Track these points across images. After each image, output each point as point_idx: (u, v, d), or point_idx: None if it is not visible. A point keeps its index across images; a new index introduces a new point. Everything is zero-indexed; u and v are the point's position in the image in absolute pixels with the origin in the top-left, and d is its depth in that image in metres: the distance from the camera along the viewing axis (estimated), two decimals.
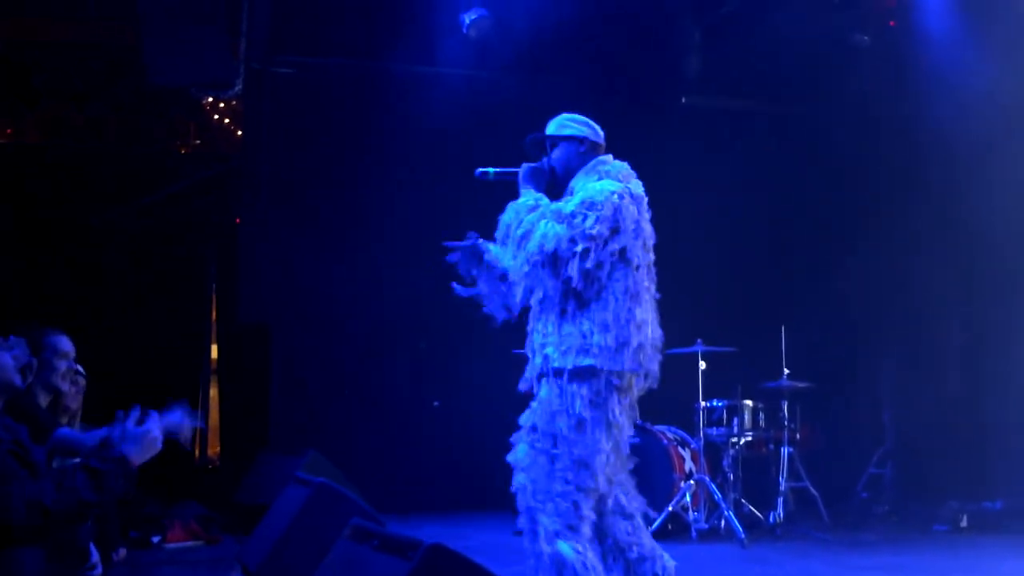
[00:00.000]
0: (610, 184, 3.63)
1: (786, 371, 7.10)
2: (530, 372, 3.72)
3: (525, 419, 3.69)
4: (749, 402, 7.02)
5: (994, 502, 7.36)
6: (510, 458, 3.66)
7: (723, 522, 6.47)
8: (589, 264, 3.46)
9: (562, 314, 3.55)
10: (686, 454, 6.81)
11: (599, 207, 3.51)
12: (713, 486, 6.57)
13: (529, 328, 3.74)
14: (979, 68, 7.54)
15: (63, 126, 8.86)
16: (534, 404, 3.66)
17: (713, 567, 5.70)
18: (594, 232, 3.46)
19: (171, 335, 8.70)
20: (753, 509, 6.81)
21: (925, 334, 8.29)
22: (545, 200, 3.67)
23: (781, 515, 6.75)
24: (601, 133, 3.89)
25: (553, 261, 3.47)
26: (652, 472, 6.67)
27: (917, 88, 8.04)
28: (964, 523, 7.04)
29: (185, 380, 8.89)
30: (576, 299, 3.52)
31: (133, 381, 8.31)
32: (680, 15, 8.50)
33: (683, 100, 8.86)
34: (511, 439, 3.75)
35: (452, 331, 8.21)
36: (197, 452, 9.04)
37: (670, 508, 6.45)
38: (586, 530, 3.49)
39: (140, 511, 6.49)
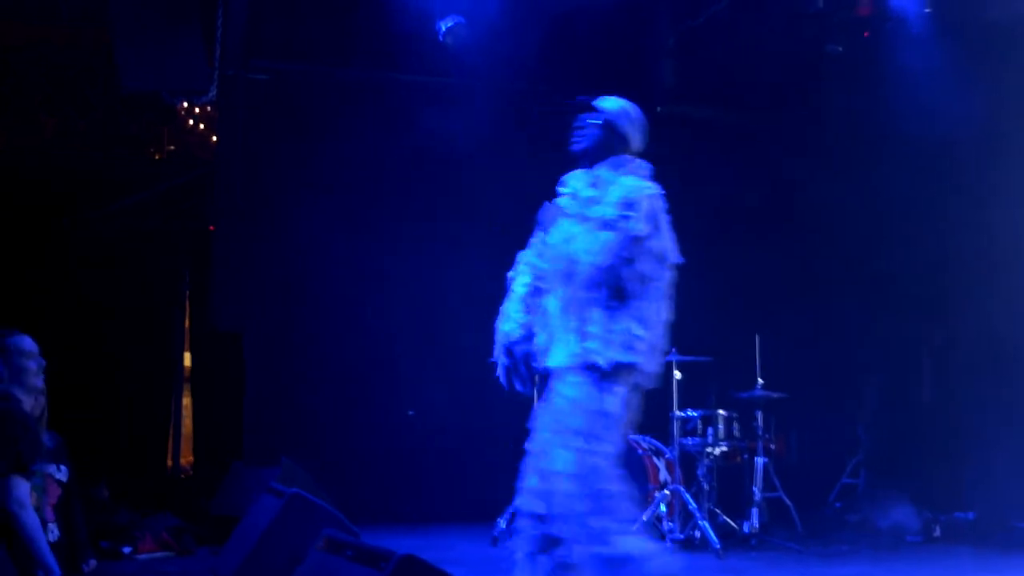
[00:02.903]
0: (642, 182, 3.61)
1: (760, 381, 7.12)
2: (549, 362, 3.67)
3: (547, 421, 3.62)
4: (723, 412, 7.02)
5: (967, 512, 7.41)
6: (549, 465, 3.54)
7: (698, 532, 6.46)
8: (640, 265, 3.55)
9: (609, 309, 3.55)
10: (660, 464, 6.81)
11: (638, 206, 3.54)
12: (688, 496, 6.56)
13: (538, 322, 3.71)
14: (953, 81, 7.60)
15: (33, 131, 8.76)
16: (559, 402, 3.60)
17: None
18: (640, 232, 3.55)
19: (143, 343, 8.61)
20: (728, 519, 6.81)
21: (899, 345, 8.34)
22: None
23: (756, 525, 6.75)
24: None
25: (609, 268, 3.51)
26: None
27: (889, 99, 8.11)
28: (937, 533, 7.09)
29: (156, 388, 8.81)
30: (619, 296, 3.53)
31: (103, 389, 8.25)
32: (655, 24, 8.54)
33: (658, 109, 8.87)
34: (530, 447, 3.67)
35: (427, 341, 8.20)
36: (170, 461, 8.96)
37: (645, 518, 6.45)
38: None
39: (111, 521, 6.42)
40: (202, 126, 9.41)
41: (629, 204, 3.56)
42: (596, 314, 3.56)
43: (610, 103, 3.91)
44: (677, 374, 6.86)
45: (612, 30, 8.34)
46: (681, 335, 6.99)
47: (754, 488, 6.90)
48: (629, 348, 3.51)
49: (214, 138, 9.13)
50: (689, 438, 6.89)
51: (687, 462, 6.92)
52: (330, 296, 8.21)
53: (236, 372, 8.06)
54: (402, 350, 8.22)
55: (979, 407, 7.69)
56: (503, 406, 7.56)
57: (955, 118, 7.53)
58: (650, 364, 3.56)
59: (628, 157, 3.84)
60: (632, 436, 6.85)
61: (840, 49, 8.49)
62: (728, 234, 8.69)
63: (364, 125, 8.36)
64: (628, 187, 3.63)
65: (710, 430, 6.95)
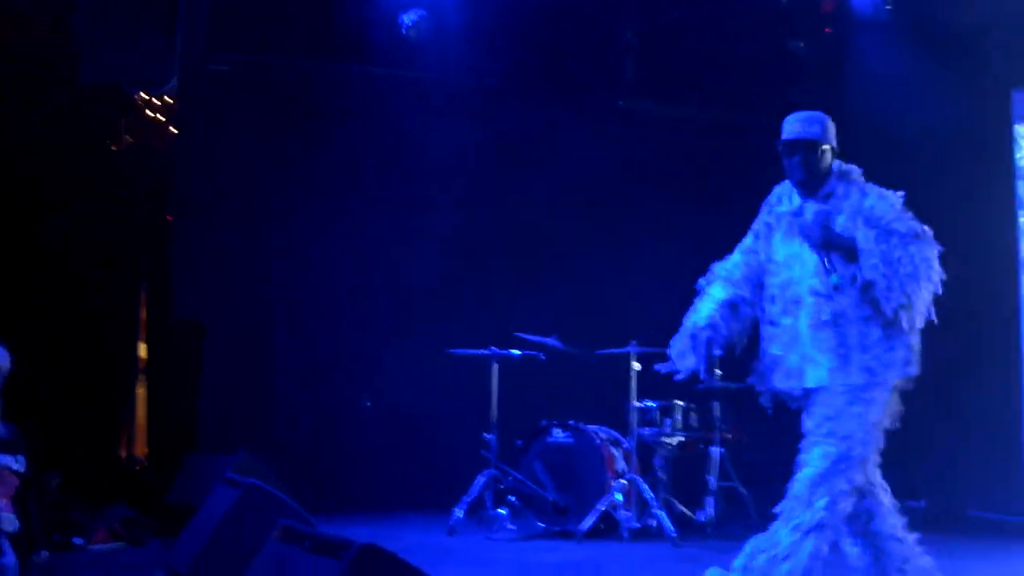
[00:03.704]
0: (883, 190, 3.85)
1: (718, 372, 7.19)
2: (806, 383, 3.86)
3: (819, 425, 3.84)
4: (681, 403, 7.09)
5: (919, 501, 7.53)
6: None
7: (654, 521, 6.52)
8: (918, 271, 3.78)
9: (886, 326, 3.74)
10: (618, 454, 6.86)
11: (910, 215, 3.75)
12: (645, 485, 6.62)
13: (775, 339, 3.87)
14: (912, 79, 7.70)
15: None
16: (828, 412, 3.80)
17: (645, 566, 5.75)
18: (919, 231, 3.77)
19: (97, 332, 8.52)
20: (684, 508, 6.88)
21: None
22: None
23: (711, 514, 6.82)
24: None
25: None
26: (584, 471, 6.72)
27: (851, 95, 8.19)
28: None
29: (111, 378, 8.71)
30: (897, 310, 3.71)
31: (57, 378, 8.15)
32: (620, 20, 8.56)
33: (620, 103, 8.92)
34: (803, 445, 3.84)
35: (387, 331, 8.20)
36: (124, 452, 8.88)
37: (602, 507, 6.50)
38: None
39: (64, 512, 6.35)
40: (162, 118, 9.31)
41: (907, 214, 3.69)
42: (875, 331, 3.72)
43: (807, 121, 3.95)
44: (637, 365, 6.90)
45: (578, 25, 8.37)
46: (642, 326, 7.12)
47: (710, 478, 6.97)
48: (908, 363, 3.77)
49: (173, 129, 9.05)
50: (647, 428, 6.95)
51: (645, 452, 6.98)
52: (289, 287, 8.19)
53: (192, 362, 8.00)
54: (360, 341, 8.20)
55: (932, 398, 7.80)
56: (460, 397, 7.62)
57: (917, 117, 7.65)
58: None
59: (846, 165, 3.92)
60: (590, 426, 6.91)
61: (802, 46, 8.59)
62: (690, 227, 8.74)
63: (328, 117, 8.32)
64: (888, 197, 3.73)
65: (668, 420, 7.02)
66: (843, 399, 3.73)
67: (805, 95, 8.53)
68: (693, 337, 3.96)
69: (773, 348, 3.86)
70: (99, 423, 8.38)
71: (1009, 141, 7.56)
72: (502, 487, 6.80)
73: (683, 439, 7.07)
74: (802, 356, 3.83)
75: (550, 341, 6.99)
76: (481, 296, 8.11)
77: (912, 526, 7.02)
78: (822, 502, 3.63)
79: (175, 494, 6.77)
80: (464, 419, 7.43)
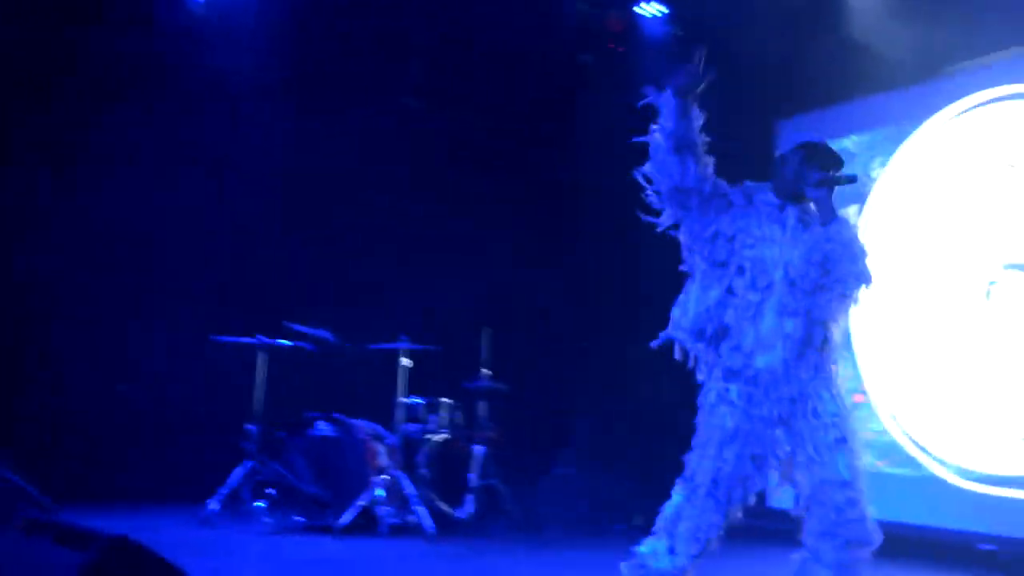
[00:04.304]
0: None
1: (486, 372, 7.31)
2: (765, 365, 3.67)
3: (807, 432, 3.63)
4: (448, 400, 7.16)
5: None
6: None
7: (414, 518, 6.55)
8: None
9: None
10: (382, 449, 6.84)
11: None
12: (406, 481, 6.64)
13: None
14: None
15: None
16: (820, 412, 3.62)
17: (402, 562, 5.76)
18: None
19: None
20: (444, 506, 6.95)
21: (617, 345, 8.77)
22: None
23: (471, 511, 6.92)
24: None
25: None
26: (347, 466, 6.67)
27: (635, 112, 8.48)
28: (639, 521, 7.51)
29: None
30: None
31: None
32: (410, 21, 8.54)
33: (404, 103, 8.89)
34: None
35: (144, 314, 7.82)
36: None
37: (362, 502, 6.47)
38: None
39: None
40: None
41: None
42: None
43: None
44: (407, 361, 6.93)
45: (367, 26, 8.30)
46: (413, 323, 7.15)
47: (471, 475, 7.07)
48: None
49: None
50: (412, 424, 6.98)
51: (409, 448, 7.01)
52: (34, 268, 7.64)
53: None
54: (113, 323, 7.79)
55: (683, 402, 8.21)
56: (224, 386, 7.39)
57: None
58: None
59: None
60: (355, 420, 6.86)
61: (591, 60, 8.85)
62: (464, 230, 8.84)
63: (102, 89, 7.82)
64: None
65: (434, 417, 7.07)
66: None
67: (588, 107, 8.85)
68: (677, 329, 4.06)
69: None
70: None
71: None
72: (261, 480, 6.65)
73: (447, 436, 7.15)
74: None
75: (321, 333, 6.90)
76: (251, 285, 7.88)
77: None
78: None
79: None
80: (226, 409, 7.21)
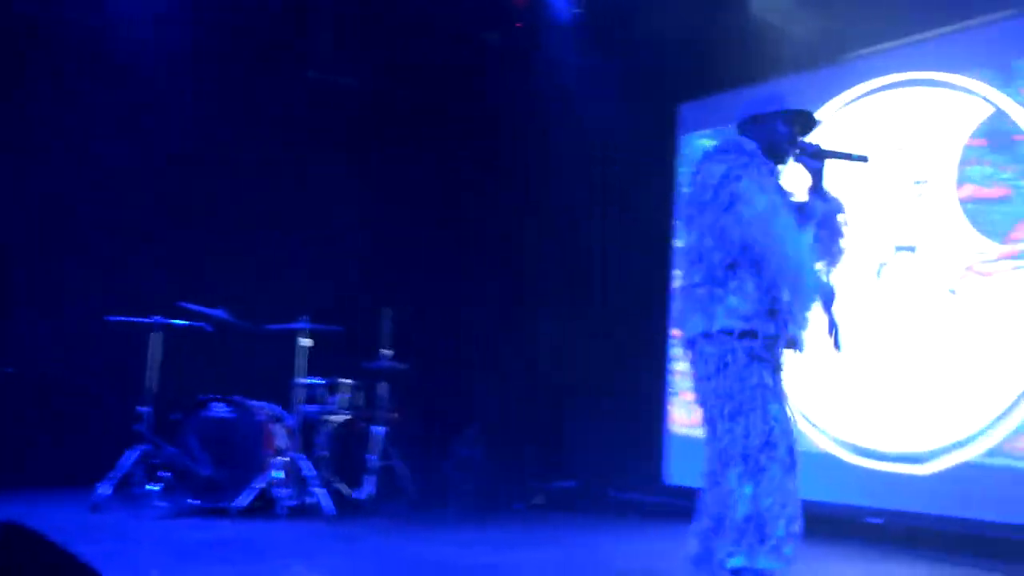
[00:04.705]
0: None
1: (387, 352, 7.26)
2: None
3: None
4: (349, 381, 7.09)
5: (568, 481, 8.02)
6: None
7: (313, 499, 6.48)
8: None
9: None
10: (280, 430, 6.75)
11: None
12: (305, 463, 6.57)
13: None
14: (595, 83, 8.10)
15: None
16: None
17: (300, 544, 5.70)
18: None
19: None
20: (344, 487, 6.89)
21: (519, 324, 8.80)
22: None
23: (371, 492, 6.88)
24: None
25: None
26: (244, 447, 6.57)
27: (538, 91, 8.51)
28: (540, 500, 7.58)
29: None
30: None
31: None
32: None
33: (310, 74, 8.75)
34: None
35: (30, 293, 7.57)
36: None
37: (260, 485, 6.38)
38: None
39: None
40: None
41: None
42: None
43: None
44: (306, 341, 6.84)
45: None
46: (314, 302, 7.06)
47: (371, 456, 7.02)
48: None
49: None
50: (312, 406, 6.90)
51: (308, 429, 6.93)
52: None
53: None
54: None
55: (582, 382, 8.30)
56: (117, 367, 7.20)
57: (597, 119, 8.06)
58: None
59: None
60: (253, 402, 6.76)
61: (496, 37, 8.82)
62: (370, 208, 8.76)
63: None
64: None
65: (333, 398, 7.00)
66: None
67: (494, 84, 8.82)
68: None
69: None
70: None
71: (673, 152, 8.12)
72: (155, 462, 6.50)
73: (348, 417, 7.09)
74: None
75: (218, 313, 6.76)
76: (146, 263, 7.69)
77: (561, 505, 7.51)
78: None
79: None
80: (120, 391, 7.04)
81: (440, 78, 8.96)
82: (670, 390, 7.77)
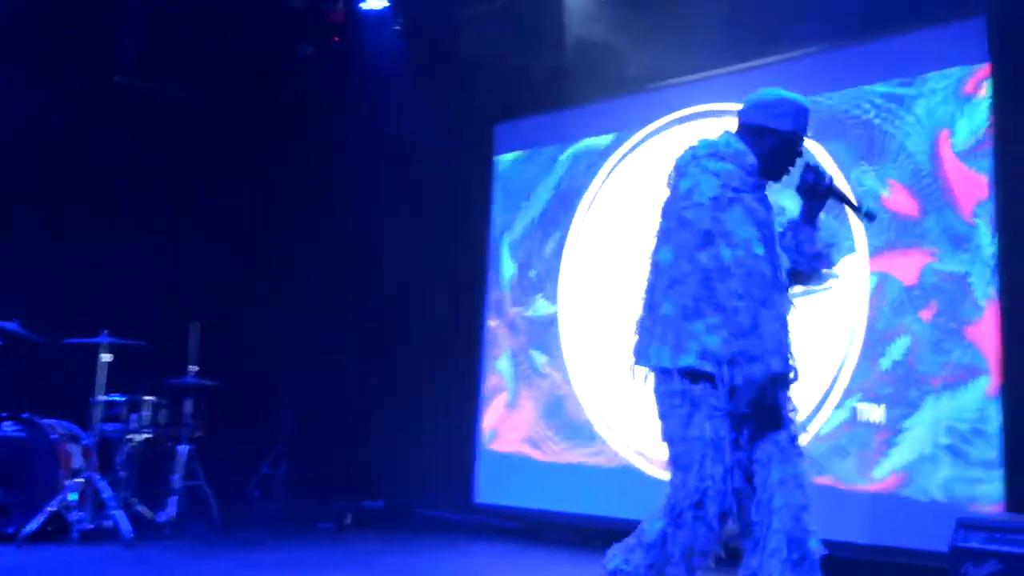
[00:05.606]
0: None
1: (193, 368, 7.04)
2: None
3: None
4: (152, 398, 6.82)
5: (376, 501, 7.97)
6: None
7: (110, 522, 6.20)
8: None
9: None
10: (76, 450, 6.44)
11: None
12: (103, 484, 6.27)
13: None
14: (412, 101, 8.10)
15: None
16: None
17: (96, 569, 5.45)
18: None
19: None
20: (144, 508, 6.62)
21: (327, 341, 8.69)
22: None
23: (173, 514, 6.65)
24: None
25: None
26: (35, 469, 6.25)
27: (355, 107, 8.46)
28: (348, 520, 7.49)
29: None
30: None
31: None
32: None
33: (116, 79, 8.43)
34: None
35: None
36: None
37: (52, 508, 6.06)
38: None
39: None
40: None
41: None
42: None
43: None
44: (107, 356, 6.55)
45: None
46: (115, 316, 6.75)
47: (174, 477, 6.79)
48: None
49: None
50: (112, 424, 6.60)
51: (107, 449, 6.63)
52: None
53: None
54: None
55: (391, 401, 8.27)
56: None
57: (414, 136, 8.06)
58: None
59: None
60: (46, 420, 6.44)
61: (311, 50, 8.72)
62: (172, 217, 8.49)
63: None
64: None
65: (135, 416, 6.71)
66: None
67: (310, 98, 8.72)
68: None
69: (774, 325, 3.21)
70: None
71: (489, 171, 8.21)
72: None
73: (150, 436, 6.81)
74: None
75: (9, 326, 6.39)
76: None
77: (370, 525, 7.45)
78: None
79: None
80: None
81: (251, 91, 8.79)
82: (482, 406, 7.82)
